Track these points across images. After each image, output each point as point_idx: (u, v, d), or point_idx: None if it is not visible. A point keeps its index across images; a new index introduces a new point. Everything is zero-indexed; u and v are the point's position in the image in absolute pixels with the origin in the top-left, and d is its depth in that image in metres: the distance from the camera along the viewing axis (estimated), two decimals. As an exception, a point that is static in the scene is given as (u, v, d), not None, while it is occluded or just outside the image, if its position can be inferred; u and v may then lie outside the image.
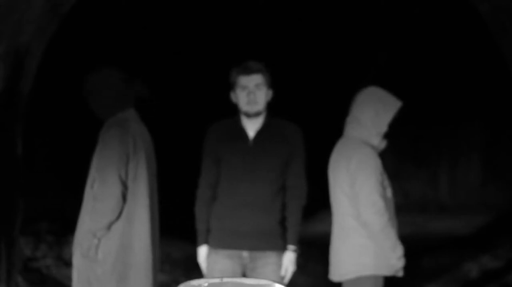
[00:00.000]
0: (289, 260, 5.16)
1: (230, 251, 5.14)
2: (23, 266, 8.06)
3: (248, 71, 5.15)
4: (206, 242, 5.23)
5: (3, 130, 6.12)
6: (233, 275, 5.07)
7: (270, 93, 5.22)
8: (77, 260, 4.97)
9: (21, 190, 6.53)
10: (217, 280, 3.20)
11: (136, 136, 4.94)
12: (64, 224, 9.05)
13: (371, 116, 5.21)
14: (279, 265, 5.15)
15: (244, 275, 5.15)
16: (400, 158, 13.02)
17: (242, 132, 5.19)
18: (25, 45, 6.12)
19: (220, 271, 5.12)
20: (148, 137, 5.09)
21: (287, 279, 5.17)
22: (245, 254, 5.13)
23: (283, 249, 5.17)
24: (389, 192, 5.27)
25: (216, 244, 5.19)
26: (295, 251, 5.18)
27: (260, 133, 5.17)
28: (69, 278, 5.07)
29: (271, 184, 5.12)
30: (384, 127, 5.24)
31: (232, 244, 5.13)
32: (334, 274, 5.33)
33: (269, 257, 5.13)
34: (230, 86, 5.25)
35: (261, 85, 5.15)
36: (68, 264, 8.25)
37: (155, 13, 12.63)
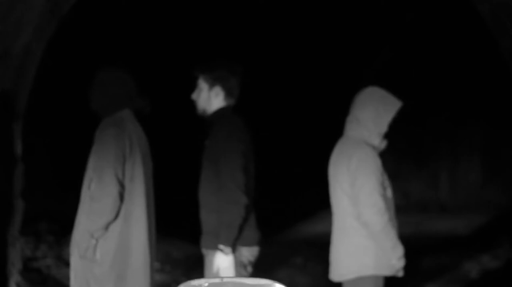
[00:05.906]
0: (217, 258, 5.08)
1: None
2: (23, 266, 8.05)
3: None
4: None
5: (3, 130, 6.12)
6: (207, 270, 5.18)
7: (217, 90, 5.26)
8: (75, 260, 4.96)
9: (20, 190, 6.53)
10: (217, 280, 3.19)
11: (132, 136, 4.94)
12: (64, 224, 9.04)
13: (372, 116, 5.21)
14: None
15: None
16: (400, 158, 13.01)
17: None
18: (24, 45, 6.12)
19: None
20: (143, 137, 5.10)
21: (225, 275, 5.03)
22: (203, 251, 5.26)
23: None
24: (389, 192, 5.26)
25: None
26: (221, 249, 5.06)
27: (209, 133, 5.26)
28: (69, 278, 5.05)
29: (209, 183, 5.17)
30: (384, 127, 5.24)
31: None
32: (334, 274, 5.33)
33: (209, 255, 5.19)
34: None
35: (200, 86, 5.31)
36: (68, 264, 8.25)
37: (155, 13, 12.63)
